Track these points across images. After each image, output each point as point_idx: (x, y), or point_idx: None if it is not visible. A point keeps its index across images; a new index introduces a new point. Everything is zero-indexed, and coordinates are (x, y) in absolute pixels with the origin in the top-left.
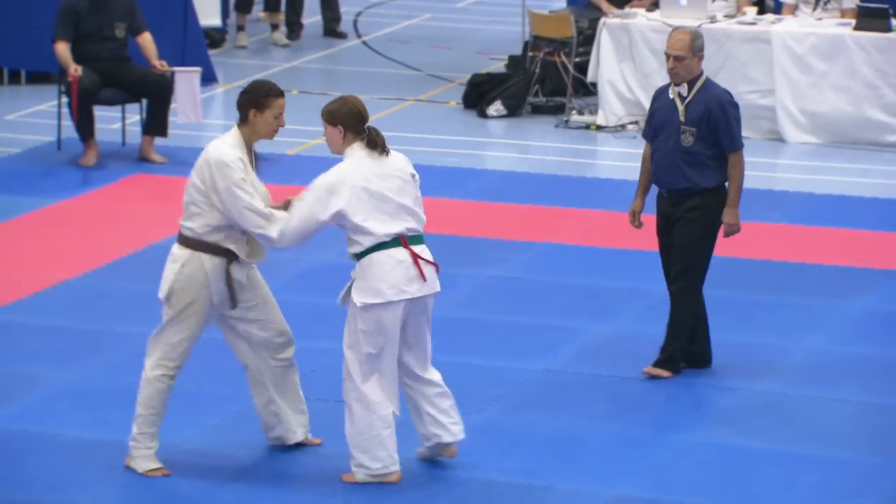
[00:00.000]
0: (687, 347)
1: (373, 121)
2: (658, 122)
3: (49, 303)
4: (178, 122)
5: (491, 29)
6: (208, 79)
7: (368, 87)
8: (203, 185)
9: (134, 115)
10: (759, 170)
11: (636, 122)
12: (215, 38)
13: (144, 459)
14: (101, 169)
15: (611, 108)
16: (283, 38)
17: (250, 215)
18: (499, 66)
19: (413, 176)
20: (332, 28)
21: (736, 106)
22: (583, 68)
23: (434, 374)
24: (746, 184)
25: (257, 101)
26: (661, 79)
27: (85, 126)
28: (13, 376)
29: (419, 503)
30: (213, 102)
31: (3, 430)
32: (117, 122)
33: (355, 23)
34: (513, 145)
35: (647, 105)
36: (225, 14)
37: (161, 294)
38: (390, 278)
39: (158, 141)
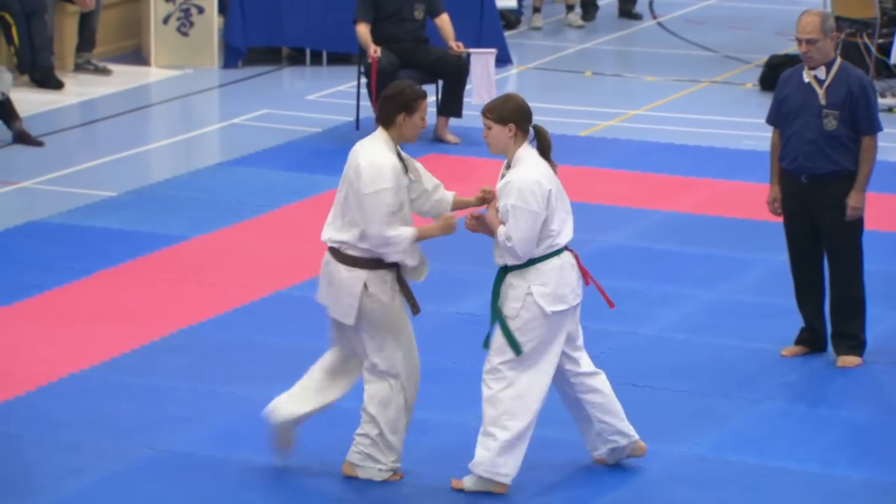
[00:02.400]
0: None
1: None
2: (791, 108)
3: None
4: (472, 103)
5: (790, 9)
6: (503, 60)
7: (662, 68)
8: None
9: (429, 95)
10: None
11: None
12: (510, 19)
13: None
14: None
15: None
16: (578, 20)
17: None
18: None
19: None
20: (627, 9)
21: (874, 88)
22: (885, 50)
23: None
24: None
25: (407, 104)
26: None
27: None
28: (295, 350)
29: (709, 487)
30: (507, 83)
31: None
32: None
33: (651, 4)
34: None
35: None
36: None
37: (349, 321)
38: (571, 282)
39: (453, 121)
